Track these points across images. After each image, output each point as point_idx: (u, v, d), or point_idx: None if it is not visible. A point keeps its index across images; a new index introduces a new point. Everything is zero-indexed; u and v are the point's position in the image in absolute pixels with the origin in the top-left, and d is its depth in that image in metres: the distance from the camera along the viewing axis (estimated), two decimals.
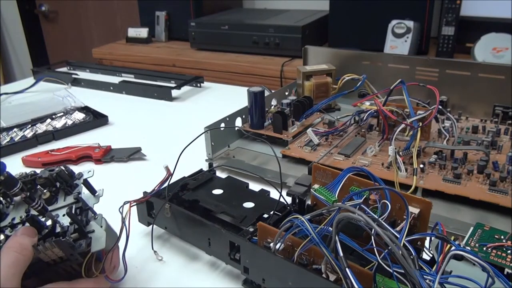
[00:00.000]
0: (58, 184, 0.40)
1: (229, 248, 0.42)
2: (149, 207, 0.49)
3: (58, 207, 0.38)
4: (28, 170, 0.40)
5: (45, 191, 0.39)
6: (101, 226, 0.38)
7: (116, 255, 0.41)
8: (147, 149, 0.72)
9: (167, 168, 0.47)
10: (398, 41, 1.39)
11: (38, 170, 0.40)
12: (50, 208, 0.38)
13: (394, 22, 1.39)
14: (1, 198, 0.39)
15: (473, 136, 0.64)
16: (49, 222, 0.36)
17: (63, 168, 0.40)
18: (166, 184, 0.47)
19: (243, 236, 0.41)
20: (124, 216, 0.41)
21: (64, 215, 0.37)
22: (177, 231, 0.48)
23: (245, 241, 0.40)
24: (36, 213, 0.37)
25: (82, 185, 0.40)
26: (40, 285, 0.35)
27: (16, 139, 0.77)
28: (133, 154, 0.71)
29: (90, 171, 0.41)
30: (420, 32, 1.40)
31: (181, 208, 0.46)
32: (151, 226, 0.48)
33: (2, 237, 0.36)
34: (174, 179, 0.48)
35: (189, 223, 0.45)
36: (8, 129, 0.80)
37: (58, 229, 0.36)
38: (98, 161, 0.70)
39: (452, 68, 0.76)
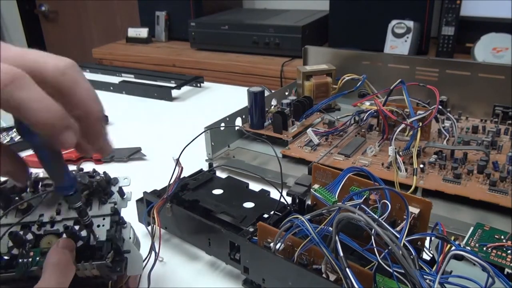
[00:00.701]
0: (92, 189, 0.37)
1: (229, 248, 0.42)
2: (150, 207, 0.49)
3: (93, 215, 0.36)
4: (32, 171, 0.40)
5: (83, 198, 0.36)
6: (130, 237, 0.37)
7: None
8: (147, 149, 0.72)
9: (177, 161, 0.46)
10: (398, 41, 1.39)
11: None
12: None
13: (394, 22, 1.39)
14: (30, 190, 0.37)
15: (473, 136, 0.64)
16: (83, 233, 0.35)
17: (103, 176, 0.38)
18: (172, 180, 0.47)
19: (243, 236, 0.41)
20: (153, 234, 0.40)
21: (98, 226, 0.36)
22: (177, 231, 0.48)
23: (245, 241, 0.40)
24: (67, 217, 0.36)
25: (117, 193, 0.38)
26: None
27: (16, 139, 0.77)
28: (133, 154, 0.71)
29: (126, 178, 0.39)
30: (420, 32, 1.40)
31: (181, 208, 0.46)
32: (151, 226, 0.48)
33: (31, 236, 0.35)
34: (174, 175, 0.48)
35: (189, 223, 0.45)
36: (8, 129, 0.80)
37: (92, 242, 0.35)
38: (98, 161, 0.70)
39: (452, 68, 0.76)
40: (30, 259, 0.34)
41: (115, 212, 0.37)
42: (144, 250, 0.42)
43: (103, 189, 0.38)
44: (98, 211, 0.37)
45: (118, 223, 0.37)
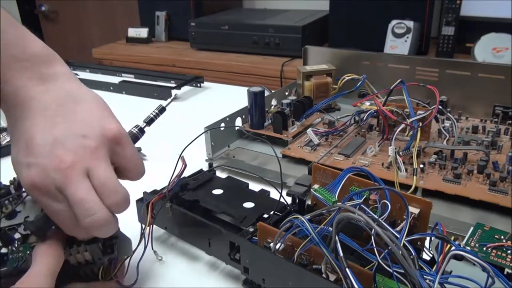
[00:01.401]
0: None
1: (229, 248, 0.42)
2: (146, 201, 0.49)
3: None
4: None
5: None
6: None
7: (126, 264, 0.41)
8: (147, 149, 0.72)
9: (183, 159, 0.47)
10: (398, 41, 1.39)
11: None
12: None
13: (394, 22, 1.39)
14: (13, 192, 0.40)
15: (473, 136, 0.64)
16: None
17: None
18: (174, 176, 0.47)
19: (243, 236, 0.41)
20: (144, 228, 0.42)
21: None
22: (177, 231, 0.48)
23: (245, 241, 0.40)
24: None
25: None
26: (58, 285, 0.35)
27: None
28: None
29: None
30: (420, 32, 1.40)
31: (181, 208, 0.46)
32: (151, 226, 0.48)
33: (19, 235, 0.36)
34: (176, 173, 0.48)
35: (189, 223, 0.45)
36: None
37: None
38: None
39: (452, 68, 0.76)
40: (21, 254, 0.35)
41: None
42: (140, 251, 0.42)
43: None
44: None
45: None
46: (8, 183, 0.40)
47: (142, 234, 0.42)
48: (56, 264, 0.33)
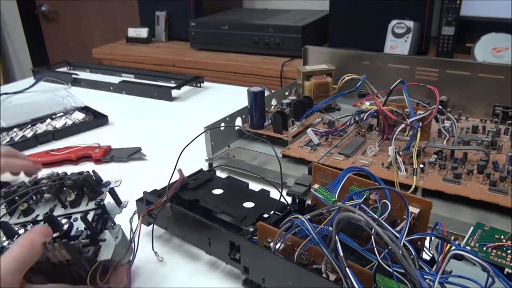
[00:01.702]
0: (85, 188, 0.40)
1: (229, 248, 0.42)
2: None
3: (80, 210, 0.39)
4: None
5: (72, 194, 0.39)
6: (117, 237, 0.38)
7: (125, 271, 0.40)
8: (147, 149, 0.72)
9: (180, 171, 0.47)
10: (398, 41, 1.39)
11: (68, 170, 0.40)
12: (72, 211, 0.39)
13: (394, 22, 1.39)
14: (33, 196, 0.40)
15: (473, 136, 0.64)
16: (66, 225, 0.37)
17: (91, 173, 0.40)
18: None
19: (243, 236, 0.41)
20: (134, 231, 0.41)
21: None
22: (177, 231, 0.48)
23: (245, 241, 0.40)
24: (59, 213, 0.38)
25: (107, 193, 0.40)
26: (44, 283, 0.36)
27: (16, 139, 0.77)
28: (133, 154, 0.71)
29: (118, 181, 0.41)
30: (420, 32, 1.40)
31: (181, 208, 0.46)
32: (151, 226, 0.48)
33: (22, 231, 0.37)
34: (173, 179, 0.48)
35: (189, 223, 0.45)
36: (8, 129, 0.80)
37: (73, 232, 0.37)
38: (98, 161, 0.70)
39: (452, 68, 0.76)
40: None
41: (99, 207, 0.38)
42: (141, 251, 0.42)
43: (91, 187, 0.40)
44: (85, 207, 0.39)
45: (101, 216, 0.38)
46: (27, 181, 0.41)
47: (131, 241, 0.40)
48: (28, 256, 0.34)
